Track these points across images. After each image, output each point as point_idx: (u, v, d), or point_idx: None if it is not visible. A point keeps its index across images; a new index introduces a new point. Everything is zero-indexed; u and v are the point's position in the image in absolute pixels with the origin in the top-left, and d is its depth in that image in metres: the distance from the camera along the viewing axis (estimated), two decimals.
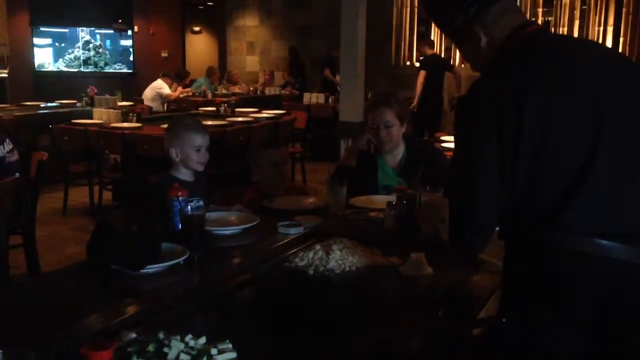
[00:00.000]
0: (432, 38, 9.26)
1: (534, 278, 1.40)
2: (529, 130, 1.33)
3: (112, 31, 11.67)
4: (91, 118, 6.41)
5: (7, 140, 3.62)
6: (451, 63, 9.03)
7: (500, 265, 1.53)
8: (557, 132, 1.34)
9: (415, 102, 8.28)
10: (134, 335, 1.31)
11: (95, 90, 7.94)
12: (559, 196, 1.35)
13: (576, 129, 1.35)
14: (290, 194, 2.94)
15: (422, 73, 8.36)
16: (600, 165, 1.34)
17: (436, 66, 8.53)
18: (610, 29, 8.38)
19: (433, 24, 9.30)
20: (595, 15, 8.48)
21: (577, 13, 8.58)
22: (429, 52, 8.66)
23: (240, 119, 6.67)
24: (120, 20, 11.35)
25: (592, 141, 1.34)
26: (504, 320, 1.42)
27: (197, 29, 13.91)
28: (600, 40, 8.23)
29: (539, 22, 8.66)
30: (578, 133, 1.35)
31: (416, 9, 9.83)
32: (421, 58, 8.85)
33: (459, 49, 1.67)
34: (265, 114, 7.23)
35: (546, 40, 1.51)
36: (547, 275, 1.38)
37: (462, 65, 8.65)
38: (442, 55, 9.19)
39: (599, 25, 8.45)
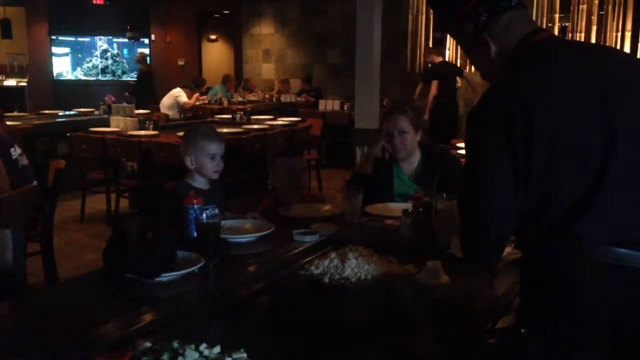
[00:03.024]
0: (447, 44, 9.24)
1: (551, 287, 1.38)
2: (540, 133, 1.31)
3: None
4: (108, 126, 6.47)
5: (16, 145, 3.66)
6: (460, 68, 8.95)
7: (518, 273, 1.51)
8: (569, 135, 1.32)
9: (427, 115, 8.10)
10: (148, 344, 1.30)
11: (113, 99, 8.01)
12: (574, 204, 1.33)
13: (588, 132, 1.33)
14: (307, 202, 2.93)
15: (435, 83, 8.19)
16: (615, 171, 1.32)
17: (446, 74, 8.41)
18: (628, 35, 8.30)
19: None
20: (613, 20, 8.41)
21: (594, 19, 8.51)
22: (437, 59, 8.57)
23: (255, 126, 6.68)
24: (129, 27, 11.44)
25: (606, 146, 1.32)
26: (522, 330, 1.40)
27: (213, 37, 14.01)
28: (618, 46, 8.16)
29: (556, 27, 8.61)
30: (590, 137, 1.33)
31: (431, 16, 9.82)
32: (429, 66, 8.72)
33: (468, 57, 1.66)
34: (281, 121, 7.24)
35: (556, 44, 1.49)
36: (564, 284, 1.36)
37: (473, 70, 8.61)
38: (459, 62, 9.15)
39: (617, 30, 8.38)
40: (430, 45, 9.77)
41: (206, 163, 2.52)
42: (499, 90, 1.44)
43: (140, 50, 11.17)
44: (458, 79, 8.67)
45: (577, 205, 1.32)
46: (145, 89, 10.15)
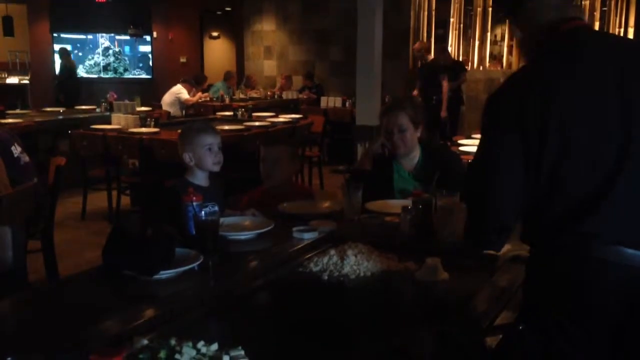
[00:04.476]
0: (449, 41, 9.19)
1: (554, 284, 1.37)
2: (554, 130, 1.30)
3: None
4: (110, 123, 6.47)
5: (16, 143, 3.67)
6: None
7: (517, 270, 1.51)
8: (583, 133, 1.32)
9: (444, 111, 8.04)
10: (145, 341, 1.30)
11: (115, 96, 8.01)
12: (583, 202, 1.32)
13: (603, 131, 1.32)
14: (295, 196, 2.91)
15: (446, 77, 8.19)
16: (627, 171, 1.31)
17: (455, 69, 8.44)
18: (631, 30, 8.28)
19: (448, 28, 9.28)
20: (616, 16, 8.38)
21: (597, 15, 8.48)
22: (430, 58, 8.53)
23: (257, 123, 6.68)
24: (131, 25, 11.42)
25: (620, 146, 1.31)
26: (520, 327, 1.40)
27: (215, 34, 14.00)
28: None
29: None
30: (605, 136, 1.32)
31: (434, 12, 9.78)
32: (422, 63, 8.69)
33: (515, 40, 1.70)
34: (283, 118, 7.24)
35: (582, 38, 1.46)
36: (567, 282, 1.35)
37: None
38: (461, 58, 9.10)
39: (619, 26, 8.35)
40: (433, 43, 9.71)
41: (205, 155, 2.51)
42: (517, 78, 1.45)
43: (61, 46, 10.94)
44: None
45: (586, 203, 1.32)
46: (68, 86, 10.01)
